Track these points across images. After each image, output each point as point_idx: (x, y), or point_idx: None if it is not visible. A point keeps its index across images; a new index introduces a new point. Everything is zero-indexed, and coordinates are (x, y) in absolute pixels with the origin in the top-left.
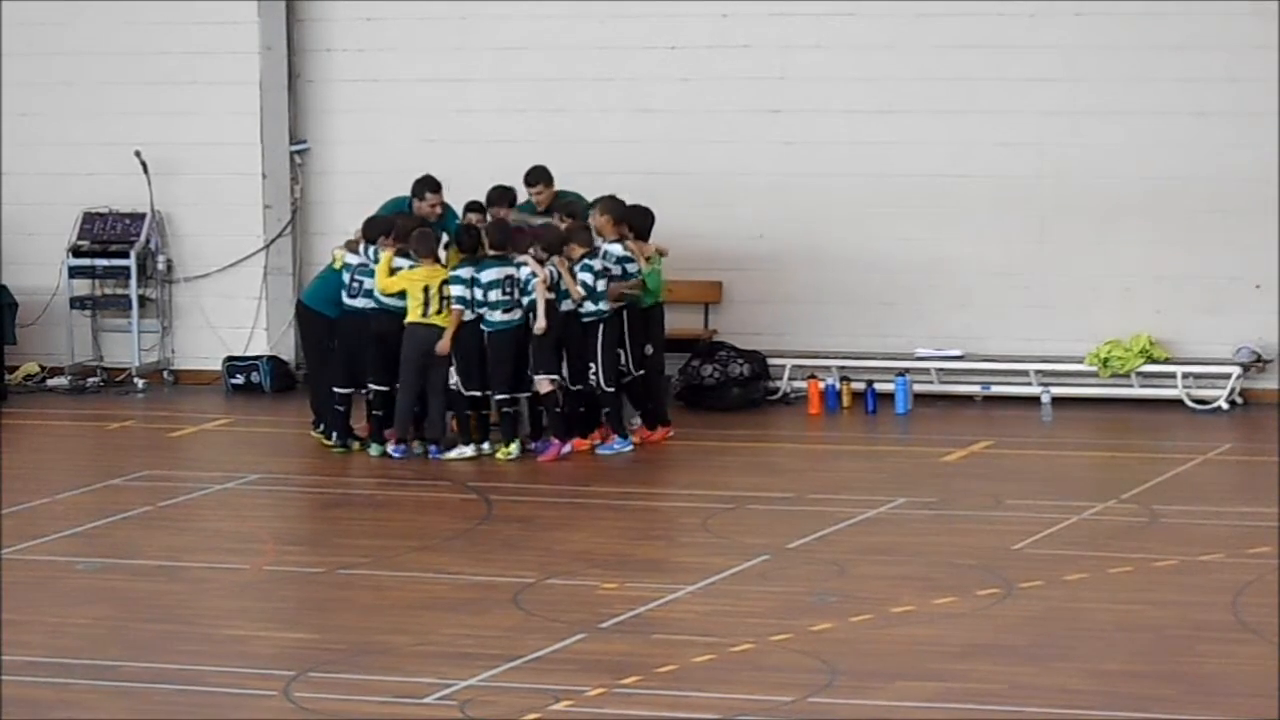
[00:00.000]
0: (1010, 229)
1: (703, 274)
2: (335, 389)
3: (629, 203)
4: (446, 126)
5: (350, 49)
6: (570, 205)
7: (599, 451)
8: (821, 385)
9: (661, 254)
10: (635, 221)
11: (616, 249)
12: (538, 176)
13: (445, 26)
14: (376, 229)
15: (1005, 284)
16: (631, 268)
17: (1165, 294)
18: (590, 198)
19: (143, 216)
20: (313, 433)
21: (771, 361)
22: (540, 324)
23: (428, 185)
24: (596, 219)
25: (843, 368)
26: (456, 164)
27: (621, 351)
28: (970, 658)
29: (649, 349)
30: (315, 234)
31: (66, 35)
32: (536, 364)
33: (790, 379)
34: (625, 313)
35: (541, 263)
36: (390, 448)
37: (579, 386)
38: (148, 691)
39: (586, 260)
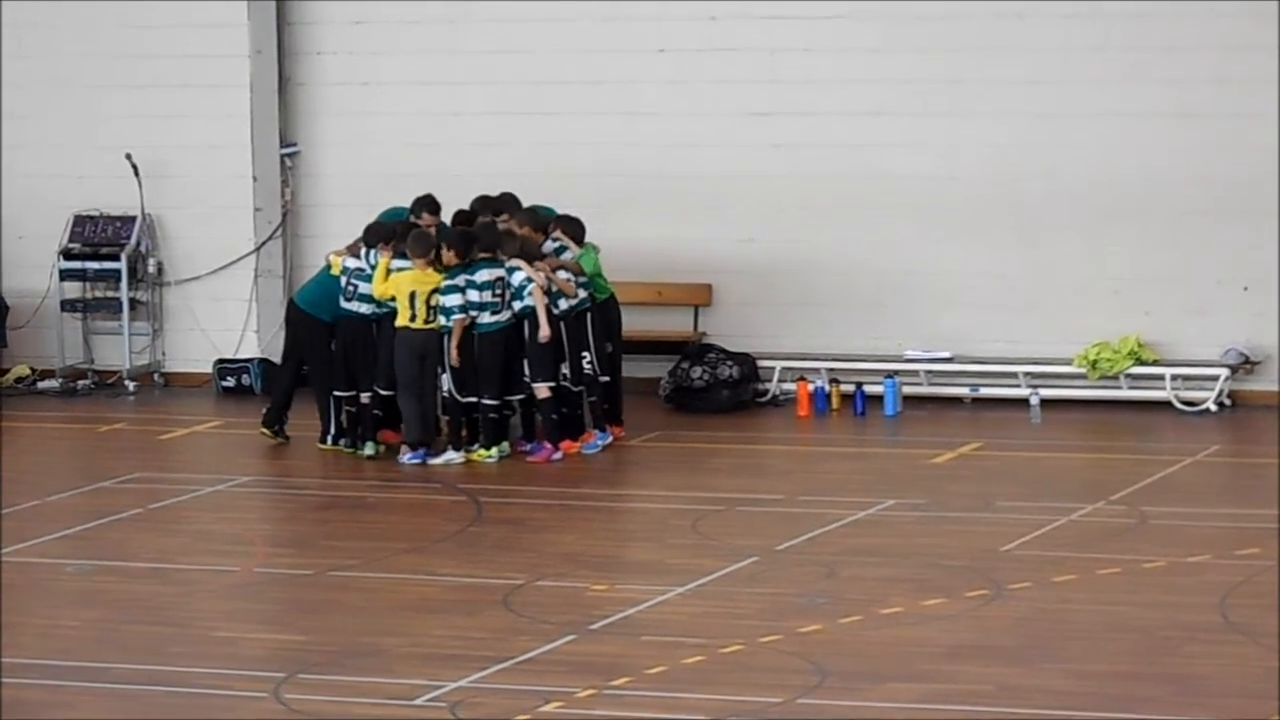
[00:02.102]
0: (999, 231)
1: (692, 276)
2: (335, 392)
3: (626, 204)
4: (436, 129)
5: (340, 52)
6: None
7: (585, 452)
8: (811, 387)
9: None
10: (568, 229)
11: (549, 245)
12: (503, 205)
13: (435, 29)
14: (377, 235)
15: (994, 286)
16: (566, 255)
17: (1154, 296)
18: (582, 200)
19: (133, 219)
20: (322, 445)
21: (761, 364)
22: (545, 331)
23: (426, 205)
24: (518, 232)
25: (832, 370)
26: (446, 167)
27: (587, 352)
28: (958, 659)
29: (608, 347)
30: (305, 237)
31: (57, 37)
32: (535, 371)
33: (779, 381)
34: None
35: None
36: (406, 455)
37: (580, 387)
38: (139, 693)
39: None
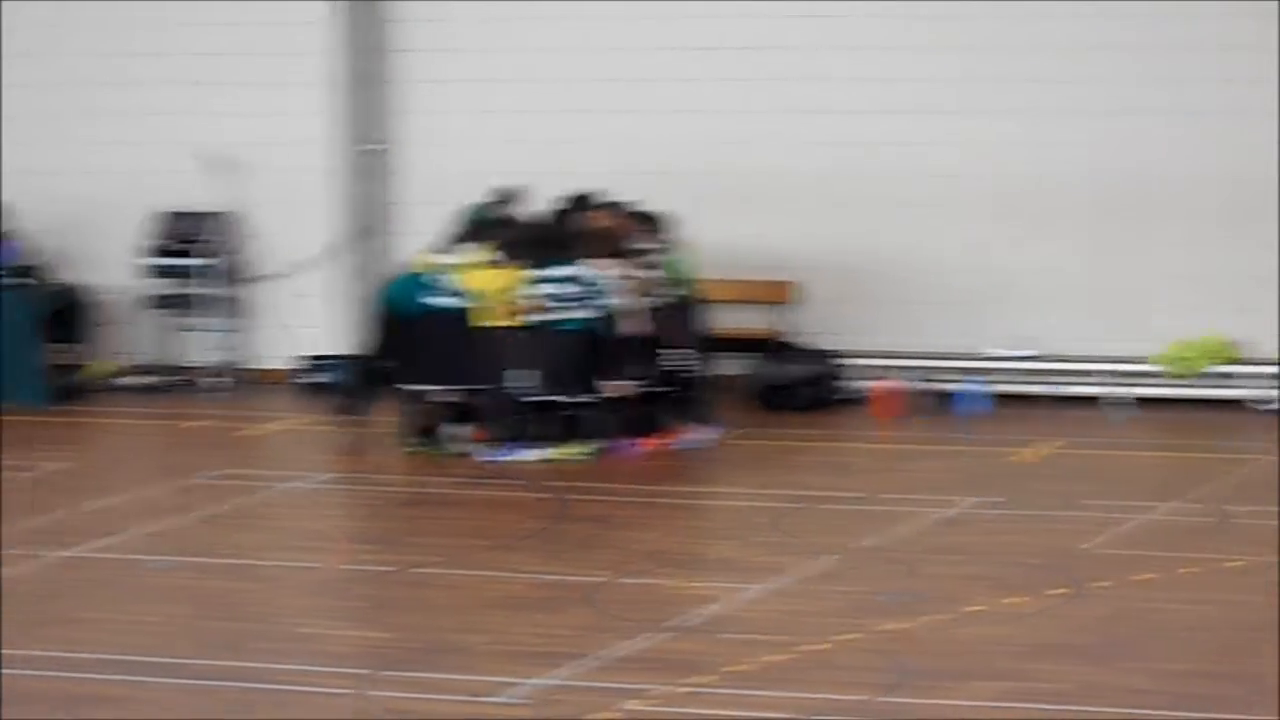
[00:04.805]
0: (1083, 229)
1: (774, 274)
2: (417, 389)
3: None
4: (520, 127)
5: (425, 49)
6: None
7: (684, 446)
8: (893, 385)
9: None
10: (652, 226)
11: (637, 245)
12: (587, 202)
13: (517, 27)
14: (470, 231)
15: (1077, 284)
16: (653, 259)
17: (1236, 294)
18: (663, 198)
19: (220, 216)
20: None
21: (844, 361)
22: (628, 326)
23: (506, 200)
24: (606, 226)
25: (915, 367)
26: (529, 164)
27: (673, 350)
28: (1039, 657)
29: (694, 344)
30: (392, 234)
31: (150, 35)
32: (617, 368)
33: (862, 379)
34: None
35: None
36: (485, 450)
37: (662, 387)
38: (219, 689)
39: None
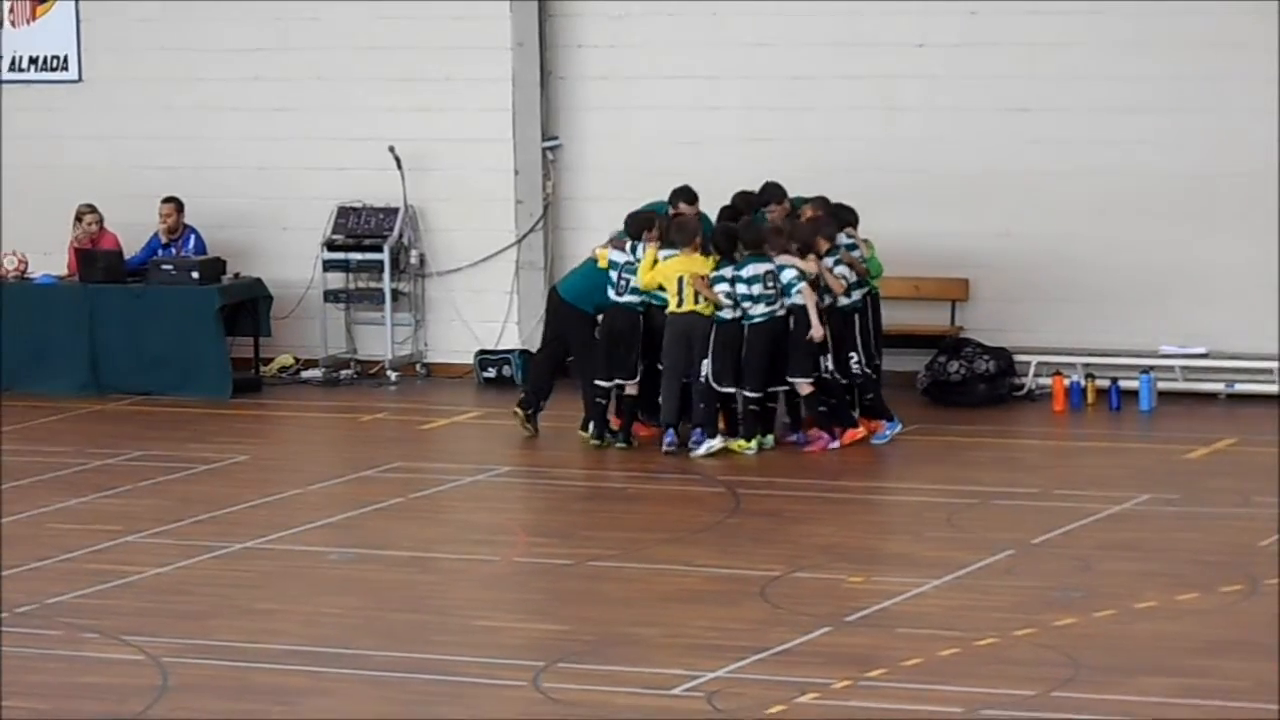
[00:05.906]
0: (1255, 227)
1: (949, 271)
2: (598, 383)
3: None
4: (696, 123)
5: (601, 45)
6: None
7: (875, 442)
8: (1066, 382)
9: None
10: (846, 217)
11: (842, 238)
12: (768, 196)
13: (695, 22)
14: (639, 225)
15: (1250, 281)
16: (856, 253)
17: None
18: (840, 195)
19: (396, 211)
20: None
21: (1017, 358)
22: (817, 332)
23: (683, 195)
24: (809, 215)
25: (1087, 364)
26: (706, 160)
27: (855, 352)
28: (1214, 654)
29: (870, 341)
30: (566, 229)
31: (320, 30)
32: (795, 367)
33: (1035, 375)
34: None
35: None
36: (667, 443)
37: (847, 379)
38: (399, 680)
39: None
